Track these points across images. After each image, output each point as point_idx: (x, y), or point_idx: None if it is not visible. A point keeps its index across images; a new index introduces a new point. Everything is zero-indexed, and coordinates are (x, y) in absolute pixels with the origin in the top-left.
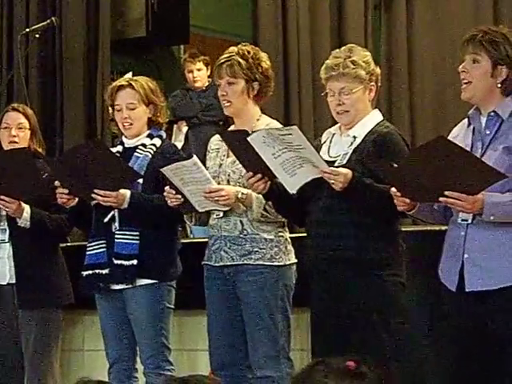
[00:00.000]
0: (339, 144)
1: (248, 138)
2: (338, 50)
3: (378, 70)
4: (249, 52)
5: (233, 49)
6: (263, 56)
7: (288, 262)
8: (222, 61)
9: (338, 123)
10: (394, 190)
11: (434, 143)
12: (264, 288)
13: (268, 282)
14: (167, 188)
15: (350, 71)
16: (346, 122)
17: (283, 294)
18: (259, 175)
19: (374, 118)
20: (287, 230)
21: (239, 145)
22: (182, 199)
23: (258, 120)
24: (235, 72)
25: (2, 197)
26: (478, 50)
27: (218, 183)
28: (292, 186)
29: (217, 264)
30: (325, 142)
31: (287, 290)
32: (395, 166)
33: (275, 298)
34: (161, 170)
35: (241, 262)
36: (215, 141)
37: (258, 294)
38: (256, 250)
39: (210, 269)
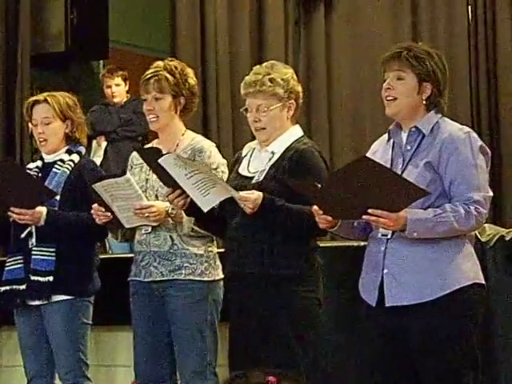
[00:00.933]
0: (258, 159)
1: (159, 160)
2: (258, 66)
3: (298, 88)
4: (176, 67)
5: (159, 63)
6: (190, 72)
7: (217, 278)
8: (149, 76)
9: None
10: (315, 208)
11: (357, 163)
12: (193, 303)
13: (197, 297)
14: (95, 206)
15: (267, 89)
16: (263, 138)
17: (212, 310)
18: (178, 191)
19: (294, 133)
20: (215, 244)
21: (154, 163)
22: (111, 216)
23: (182, 135)
24: (162, 87)
25: None
26: (403, 67)
27: (146, 198)
28: (205, 204)
29: (146, 279)
30: (245, 156)
31: (216, 305)
32: (318, 186)
33: (204, 313)
34: (92, 186)
35: (170, 278)
36: (136, 156)
37: (188, 309)
38: (186, 265)
39: (137, 284)
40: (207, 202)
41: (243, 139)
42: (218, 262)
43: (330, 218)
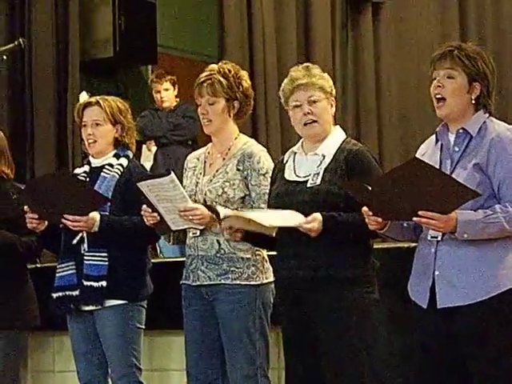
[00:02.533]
0: (307, 163)
1: (138, 184)
2: (295, 67)
3: (334, 90)
4: (230, 70)
5: (214, 67)
6: (244, 75)
7: (265, 281)
8: (203, 79)
9: (299, 142)
10: (365, 209)
11: (407, 164)
12: (241, 307)
13: (245, 302)
14: (144, 206)
15: (317, 81)
16: (313, 132)
17: (261, 313)
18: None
19: (339, 135)
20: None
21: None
22: (159, 217)
23: (235, 139)
24: (216, 91)
25: None
26: (454, 65)
27: (195, 202)
28: (271, 231)
29: (194, 283)
30: (287, 162)
31: (265, 308)
32: (369, 187)
33: (253, 318)
34: (137, 184)
35: (218, 282)
36: (192, 159)
37: (236, 314)
38: (233, 269)
39: (187, 288)
40: (272, 229)
41: (291, 142)
42: (268, 265)
43: (380, 220)
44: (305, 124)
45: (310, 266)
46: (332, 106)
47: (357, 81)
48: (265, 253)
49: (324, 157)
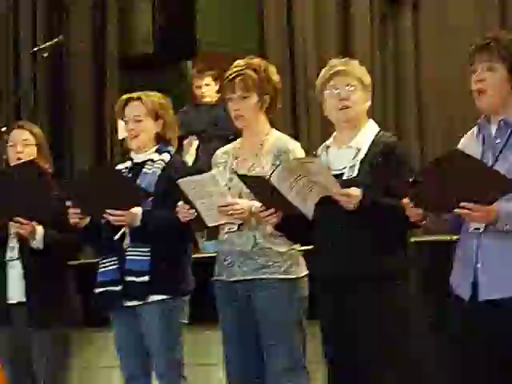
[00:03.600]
0: (341, 156)
1: (271, 179)
2: (333, 59)
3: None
4: (259, 66)
5: (240, 62)
6: (273, 69)
7: (301, 275)
8: (234, 75)
9: (332, 136)
10: (406, 200)
11: (449, 156)
12: (279, 302)
13: (283, 296)
14: (180, 203)
15: (355, 70)
16: (346, 118)
17: (298, 307)
18: (271, 210)
19: (372, 128)
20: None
21: (258, 189)
22: (195, 214)
23: (267, 134)
24: (248, 86)
25: (18, 219)
26: (493, 58)
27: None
28: (309, 210)
29: (229, 279)
30: (320, 156)
31: (302, 302)
32: (410, 179)
33: (291, 311)
34: (177, 182)
35: (254, 277)
36: (220, 154)
37: (274, 308)
38: (270, 263)
39: (221, 284)
40: (309, 207)
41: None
42: (302, 260)
43: (420, 211)
44: (340, 109)
45: (347, 261)
46: (368, 99)
47: (396, 71)
48: (298, 247)
49: (359, 149)
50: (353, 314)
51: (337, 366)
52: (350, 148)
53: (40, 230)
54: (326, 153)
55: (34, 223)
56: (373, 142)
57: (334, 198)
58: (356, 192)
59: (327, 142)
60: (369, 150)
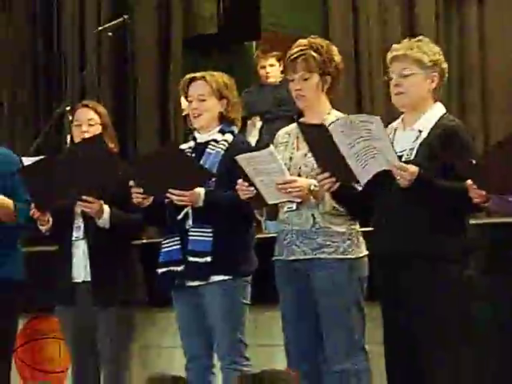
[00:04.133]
0: (403, 138)
1: (329, 128)
2: (409, 39)
3: (444, 65)
4: (322, 46)
5: (303, 41)
6: (335, 49)
7: (361, 255)
8: (296, 55)
9: (400, 118)
10: (469, 182)
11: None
12: (338, 282)
13: (342, 276)
14: (240, 181)
15: (413, 53)
16: (400, 104)
17: (357, 287)
18: (327, 174)
19: (438, 111)
20: (358, 222)
21: (316, 138)
22: (254, 191)
23: (328, 114)
24: (310, 66)
25: (85, 197)
26: None
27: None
28: (362, 177)
29: (288, 258)
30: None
31: (361, 282)
32: (473, 161)
33: (350, 291)
34: (235, 157)
35: (313, 256)
36: (283, 134)
37: (333, 288)
38: (329, 243)
39: (280, 263)
40: (364, 174)
41: (396, 117)
42: (362, 239)
43: (483, 193)
44: (395, 94)
45: (403, 238)
46: (433, 80)
47: (461, 63)
48: (358, 227)
49: (420, 132)
50: (406, 292)
51: (391, 345)
52: (412, 130)
53: (107, 208)
54: (394, 134)
55: (101, 202)
56: (435, 124)
57: (392, 172)
58: (413, 168)
59: (394, 124)
60: (429, 133)
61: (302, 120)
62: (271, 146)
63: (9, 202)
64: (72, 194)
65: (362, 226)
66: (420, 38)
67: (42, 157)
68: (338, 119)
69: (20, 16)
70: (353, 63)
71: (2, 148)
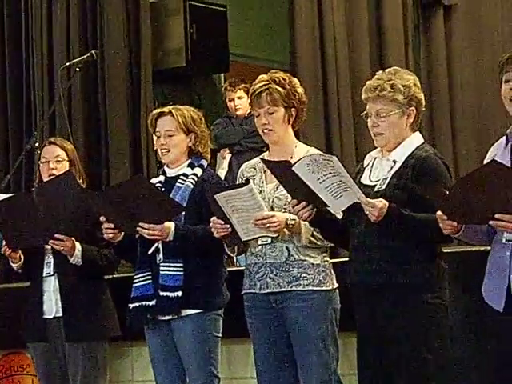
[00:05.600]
0: (380, 168)
1: (293, 168)
2: (381, 72)
3: (420, 95)
4: (284, 79)
5: (264, 77)
6: (297, 82)
7: (334, 287)
8: (260, 90)
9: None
10: (439, 213)
11: (486, 167)
12: (314, 313)
13: (318, 307)
14: (214, 219)
15: (387, 94)
16: (381, 144)
17: (332, 318)
18: (304, 203)
19: (415, 141)
20: (328, 254)
21: (283, 174)
22: (230, 229)
23: (295, 147)
24: (275, 100)
25: (58, 236)
26: None
27: None
28: (337, 208)
29: (262, 291)
30: (367, 166)
31: (335, 314)
32: (446, 191)
33: (325, 323)
34: (214, 196)
35: (289, 289)
36: (248, 168)
37: (309, 320)
38: (304, 275)
39: (252, 297)
40: (339, 204)
41: (366, 149)
42: (332, 272)
43: (455, 224)
44: (374, 134)
45: (379, 271)
46: (410, 114)
47: (430, 82)
48: (329, 259)
49: (395, 162)
50: (381, 321)
51: (365, 373)
52: (387, 160)
53: (79, 246)
54: (372, 163)
55: (72, 239)
56: (409, 155)
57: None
58: (380, 204)
59: (373, 153)
60: (403, 163)
61: (265, 156)
62: (250, 183)
63: None
64: (44, 232)
65: (332, 258)
66: (394, 69)
67: (13, 194)
68: (302, 157)
69: None
70: (321, 92)
71: None
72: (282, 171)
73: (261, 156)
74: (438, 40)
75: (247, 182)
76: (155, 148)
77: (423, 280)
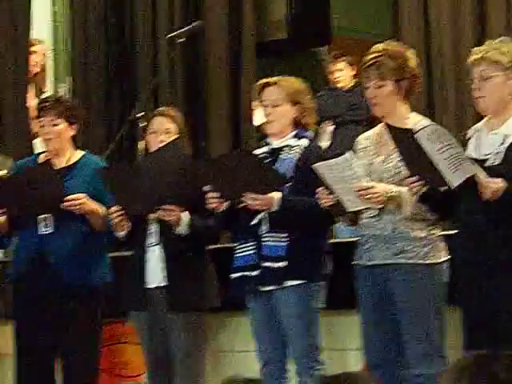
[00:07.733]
0: (488, 142)
1: (418, 134)
2: (490, 41)
3: None
4: (397, 51)
5: (378, 47)
6: (411, 53)
7: (440, 260)
8: (370, 63)
9: (484, 119)
10: None
11: None
12: (418, 287)
13: (422, 281)
14: (320, 189)
15: (491, 55)
16: (481, 109)
17: (437, 293)
18: (416, 177)
19: None
20: (439, 227)
21: (404, 141)
22: (335, 199)
23: (407, 119)
24: (383, 74)
25: (167, 206)
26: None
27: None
28: (454, 181)
29: (368, 263)
30: (469, 139)
31: (440, 287)
32: None
33: (429, 297)
34: (313, 166)
35: (393, 261)
36: (362, 140)
37: (412, 293)
38: (409, 248)
39: (361, 268)
40: (456, 177)
41: (467, 119)
42: (442, 245)
43: None
44: (475, 98)
45: (490, 249)
46: None
47: None
48: (438, 232)
49: (506, 136)
50: (490, 298)
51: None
52: (495, 135)
53: (185, 216)
54: (476, 137)
55: (180, 209)
56: None
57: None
58: (498, 184)
59: (478, 126)
60: None
61: (379, 126)
62: (347, 153)
63: (104, 210)
64: (152, 201)
65: (442, 231)
66: (501, 38)
67: (122, 162)
68: (425, 126)
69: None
70: (424, 65)
71: (93, 156)
72: (403, 138)
73: (375, 128)
74: None
75: (343, 152)
76: (255, 121)
77: None
